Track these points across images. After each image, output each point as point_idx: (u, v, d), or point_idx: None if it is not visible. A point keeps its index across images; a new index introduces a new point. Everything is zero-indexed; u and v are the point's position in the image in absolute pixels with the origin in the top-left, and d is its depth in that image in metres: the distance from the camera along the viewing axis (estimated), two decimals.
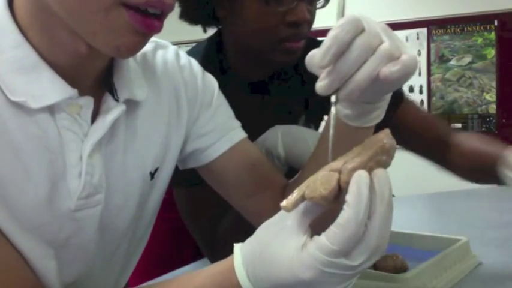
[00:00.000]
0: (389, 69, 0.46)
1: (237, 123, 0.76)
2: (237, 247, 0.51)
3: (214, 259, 0.94)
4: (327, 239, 0.44)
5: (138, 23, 0.50)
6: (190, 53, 0.96)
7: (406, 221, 1.45)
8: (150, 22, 0.51)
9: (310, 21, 0.92)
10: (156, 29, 0.52)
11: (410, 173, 3.87)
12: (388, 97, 0.59)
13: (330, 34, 0.46)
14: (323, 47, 0.46)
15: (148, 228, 0.72)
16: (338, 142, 0.58)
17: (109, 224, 0.62)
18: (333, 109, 0.50)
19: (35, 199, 0.54)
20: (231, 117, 0.76)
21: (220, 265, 0.52)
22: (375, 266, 0.83)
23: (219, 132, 0.73)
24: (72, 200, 0.56)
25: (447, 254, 0.84)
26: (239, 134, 0.75)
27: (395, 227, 1.04)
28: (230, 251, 0.76)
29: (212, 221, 0.99)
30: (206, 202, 1.00)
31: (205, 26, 0.99)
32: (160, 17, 0.52)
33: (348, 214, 0.43)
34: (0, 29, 0.53)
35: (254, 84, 0.94)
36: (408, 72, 0.47)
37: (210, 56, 0.97)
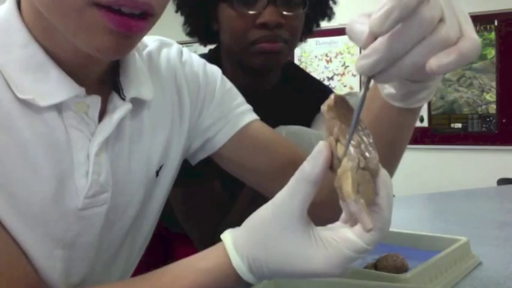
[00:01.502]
0: (439, 62, 0.40)
1: (246, 107, 0.75)
2: (229, 240, 0.50)
3: None
4: (361, 240, 0.45)
5: (112, 23, 0.48)
6: None
7: (406, 221, 1.45)
8: (123, 21, 0.48)
9: (291, 26, 0.94)
10: (134, 30, 0.50)
11: (410, 173, 3.88)
12: (439, 76, 0.52)
13: None
14: (382, 9, 0.38)
15: (151, 227, 0.72)
16: (379, 125, 0.57)
17: (114, 222, 0.62)
18: (362, 91, 0.44)
19: (42, 196, 0.54)
20: (239, 103, 0.74)
21: (215, 259, 0.51)
22: (375, 266, 0.83)
23: (225, 118, 0.72)
24: (79, 199, 0.56)
25: (447, 254, 0.84)
26: (247, 117, 0.73)
27: (395, 227, 1.05)
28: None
29: (212, 223, 0.99)
30: (205, 203, 0.99)
31: (204, 41, 1.04)
32: (144, 17, 0.50)
33: (384, 217, 0.45)
34: (9, 28, 0.54)
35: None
36: (464, 62, 0.40)
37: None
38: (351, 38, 0.43)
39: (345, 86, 4.33)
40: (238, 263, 0.49)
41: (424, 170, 3.95)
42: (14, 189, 0.52)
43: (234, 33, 0.94)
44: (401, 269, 0.82)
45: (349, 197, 0.43)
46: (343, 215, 0.49)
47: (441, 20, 0.40)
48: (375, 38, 0.41)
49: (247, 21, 0.91)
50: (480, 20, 3.80)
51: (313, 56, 4.44)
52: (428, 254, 0.86)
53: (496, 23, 3.78)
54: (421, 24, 0.39)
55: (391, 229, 1.06)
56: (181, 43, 0.78)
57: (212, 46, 1.08)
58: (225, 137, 0.72)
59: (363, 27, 0.42)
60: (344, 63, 4.36)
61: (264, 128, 0.75)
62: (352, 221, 0.46)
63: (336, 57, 4.39)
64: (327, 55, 4.42)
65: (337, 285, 0.69)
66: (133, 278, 0.55)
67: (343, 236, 0.45)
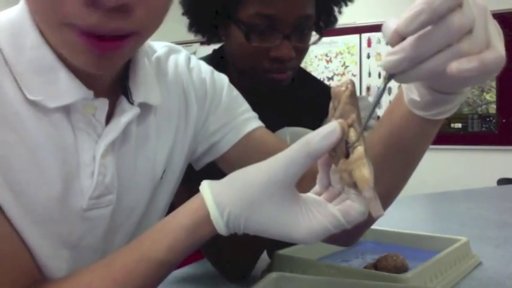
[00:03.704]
0: (460, 66, 0.40)
1: (251, 114, 0.75)
2: (209, 195, 0.50)
3: (215, 261, 0.94)
4: (344, 219, 0.47)
5: (87, 44, 0.47)
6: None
7: (406, 221, 1.45)
8: (96, 43, 0.47)
9: (300, 55, 0.95)
10: (112, 50, 0.49)
11: None
12: (466, 91, 0.52)
13: None
14: (411, 11, 0.40)
15: None
16: (398, 132, 0.58)
17: (119, 225, 0.63)
18: (381, 86, 0.45)
19: (48, 196, 0.55)
20: (245, 110, 0.75)
21: (194, 215, 0.51)
22: (375, 266, 0.83)
23: (231, 124, 0.73)
24: (84, 199, 0.57)
25: (447, 254, 0.84)
26: (252, 124, 0.74)
27: (395, 227, 1.05)
28: (234, 253, 0.75)
29: None
30: None
31: (209, 41, 1.02)
32: (123, 37, 0.48)
33: (367, 201, 0.46)
34: (21, 29, 0.54)
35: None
36: (485, 72, 0.41)
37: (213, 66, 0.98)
38: (383, 35, 0.44)
39: None
40: (216, 217, 0.50)
41: (424, 170, 3.93)
42: (21, 186, 0.53)
43: (244, 60, 0.93)
44: (401, 269, 0.82)
45: (367, 184, 0.45)
46: (315, 188, 0.52)
47: (470, 31, 0.41)
48: (402, 38, 0.42)
49: (261, 53, 0.90)
50: None
51: (313, 56, 4.44)
52: (428, 254, 0.86)
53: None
54: (449, 31, 0.40)
55: (391, 229, 1.06)
56: (180, 43, 0.78)
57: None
58: (230, 143, 0.72)
59: (394, 26, 0.42)
60: (344, 63, 4.37)
61: (268, 135, 0.75)
62: (331, 198, 0.49)
63: (335, 57, 4.39)
64: (326, 55, 4.42)
65: (338, 285, 0.69)
66: (115, 252, 0.55)
67: (328, 212, 0.47)
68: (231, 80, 0.89)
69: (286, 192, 0.48)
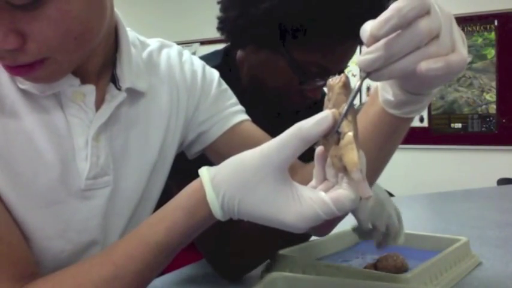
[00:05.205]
0: (428, 65, 0.45)
1: (240, 108, 0.78)
2: (206, 176, 0.52)
3: (213, 260, 0.94)
4: (334, 205, 0.47)
5: (4, 68, 0.51)
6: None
7: (406, 221, 1.44)
8: (10, 70, 0.51)
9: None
10: (32, 74, 0.51)
11: (410, 173, 3.88)
12: (434, 92, 0.57)
13: (394, 5, 0.43)
14: (382, 16, 0.44)
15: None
16: (372, 128, 0.62)
17: (117, 210, 0.65)
18: (358, 83, 0.48)
19: (49, 178, 0.58)
20: (233, 103, 0.78)
21: (190, 196, 0.53)
22: (375, 266, 0.83)
23: (219, 115, 0.76)
24: (81, 180, 0.60)
25: (447, 254, 0.85)
26: (240, 116, 0.77)
27: None
28: (237, 253, 0.74)
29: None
30: None
31: (235, 45, 0.98)
32: (32, 64, 0.50)
33: (356, 183, 0.48)
34: None
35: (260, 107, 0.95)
36: (450, 72, 0.45)
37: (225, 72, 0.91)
38: (361, 37, 0.47)
39: None
40: (212, 198, 0.51)
41: (424, 170, 3.95)
42: (22, 170, 0.56)
43: (275, 86, 0.93)
44: (401, 269, 0.82)
45: (355, 166, 0.47)
46: (312, 182, 0.53)
47: (437, 36, 0.45)
48: (376, 40, 0.45)
49: (299, 90, 0.92)
50: (480, 20, 3.80)
51: None
52: (428, 254, 0.86)
53: (496, 23, 3.78)
54: (417, 35, 0.44)
55: None
56: (181, 43, 0.79)
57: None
58: (218, 132, 0.75)
59: (369, 28, 0.46)
60: None
61: (254, 129, 0.78)
62: (325, 188, 0.50)
63: None
64: None
65: (338, 285, 0.69)
66: (115, 242, 0.57)
67: (319, 198, 0.48)
68: (238, 84, 0.88)
69: (279, 176, 0.49)
